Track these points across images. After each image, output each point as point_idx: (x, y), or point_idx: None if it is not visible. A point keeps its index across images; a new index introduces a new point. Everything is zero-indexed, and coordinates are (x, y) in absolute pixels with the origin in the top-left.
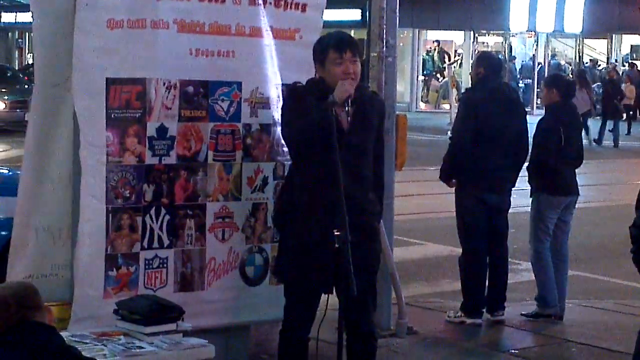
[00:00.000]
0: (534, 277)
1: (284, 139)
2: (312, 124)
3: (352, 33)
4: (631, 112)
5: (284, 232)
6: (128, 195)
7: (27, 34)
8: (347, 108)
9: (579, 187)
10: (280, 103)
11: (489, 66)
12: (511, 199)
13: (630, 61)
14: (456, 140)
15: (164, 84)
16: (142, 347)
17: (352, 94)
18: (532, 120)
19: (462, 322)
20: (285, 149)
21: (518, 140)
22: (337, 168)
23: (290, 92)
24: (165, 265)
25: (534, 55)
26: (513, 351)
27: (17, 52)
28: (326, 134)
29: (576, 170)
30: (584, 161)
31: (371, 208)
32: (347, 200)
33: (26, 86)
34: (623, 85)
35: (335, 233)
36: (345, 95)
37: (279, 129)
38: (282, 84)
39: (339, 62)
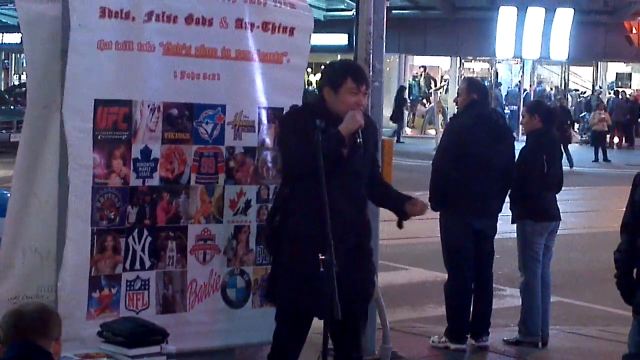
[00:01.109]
0: (518, 303)
1: (283, 163)
2: (315, 152)
3: (338, 58)
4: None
5: (277, 256)
6: (113, 217)
7: (13, 55)
8: (358, 140)
9: (564, 214)
10: (266, 126)
11: (480, 92)
12: (497, 224)
13: (615, 89)
14: (437, 166)
15: (149, 106)
16: None
17: (362, 126)
18: (518, 147)
19: (447, 348)
20: (271, 172)
21: (505, 166)
22: (324, 192)
23: (290, 116)
24: (147, 287)
25: (519, 81)
26: None
27: (3, 72)
28: (331, 162)
29: (560, 197)
30: (568, 188)
31: (367, 231)
32: (346, 224)
33: (12, 107)
34: (597, 112)
35: (321, 257)
36: (357, 127)
37: (265, 152)
38: (270, 108)
39: (355, 92)
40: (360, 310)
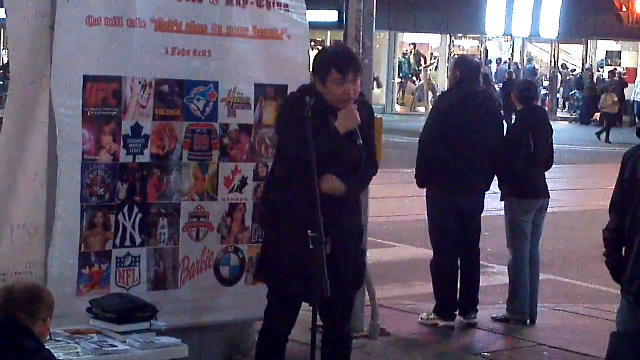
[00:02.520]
0: (507, 281)
1: (280, 150)
2: (306, 133)
3: (328, 35)
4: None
5: (269, 234)
6: (102, 193)
7: (2, 30)
8: (358, 142)
9: (554, 192)
10: (266, 104)
11: (465, 70)
12: (484, 202)
13: (614, 68)
14: (423, 144)
15: (140, 82)
16: (115, 346)
17: (360, 123)
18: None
19: (435, 325)
20: (271, 150)
21: (492, 144)
22: (314, 172)
23: (286, 103)
24: (137, 263)
25: (509, 59)
26: (485, 354)
27: None
28: (325, 157)
29: (550, 175)
30: (558, 166)
31: (359, 216)
32: (339, 210)
33: (1, 82)
34: (609, 94)
35: (310, 234)
36: (354, 126)
37: (263, 130)
38: (270, 85)
39: (340, 82)
40: (351, 293)
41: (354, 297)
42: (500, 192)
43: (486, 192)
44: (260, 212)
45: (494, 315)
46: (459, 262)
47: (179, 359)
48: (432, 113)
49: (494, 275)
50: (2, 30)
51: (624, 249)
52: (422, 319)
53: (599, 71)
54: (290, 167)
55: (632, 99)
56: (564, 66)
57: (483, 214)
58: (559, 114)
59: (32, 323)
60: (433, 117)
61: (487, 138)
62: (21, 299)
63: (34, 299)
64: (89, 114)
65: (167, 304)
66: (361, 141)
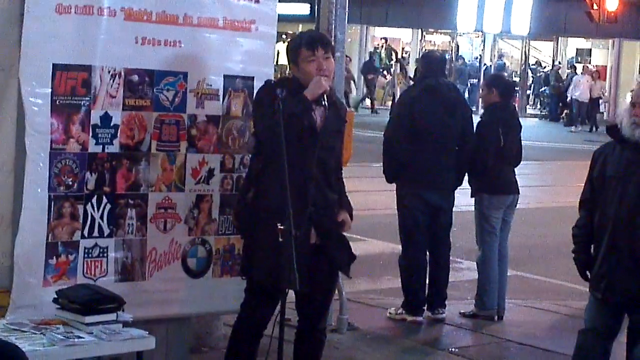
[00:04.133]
0: (475, 276)
1: (255, 137)
2: (277, 121)
3: (300, 27)
4: None
5: (249, 231)
6: (71, 183)
7: None
8: (324, 103)
9: (522, 188)
10: (233, 95)
11: (425, 65)
12: (454, 196)
13: (594, 66)
14: (387, 138)
15: (109, 71)
16: (81, 337)
17: (327, 90)
18: (477, 120)
19: (403, 320)
20: (237, 141)
21: (460, 138)
22: (284, 161)
23: (260, 90)
24: (105, 254)
25: (480, 55)
26: (453, 349)
27: None
28: (300, 128)
29: (519, 171)
30: (526, 162)
31: (335, 205)
32: (322, 200)
33: None
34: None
35: (279, 227)
36: (321, 91)
37: (230, 121)
38: (238, 76)
39: (311, 59)
40: (331, 285)
41: (333, 292)
42: (470, 187)
43: (457, 187)
44: (238, 211)
45: (461, 311)
46: (427, 257)
47: (146, 350)
48: (395, 107)
49: (463, 271)
50: None
51: (592, 246)
52: (390, 313)
53: (570, 68)
54: (264, 153)
55: (570, 97)
56: (538, 63)
57: (452, 209)
58: (529, 111)
59: None
60: (396, 110)
61: (452, 132)
62: None
63: None
64: (57, 102)
65: (134, 295)
66: (326, 103)
